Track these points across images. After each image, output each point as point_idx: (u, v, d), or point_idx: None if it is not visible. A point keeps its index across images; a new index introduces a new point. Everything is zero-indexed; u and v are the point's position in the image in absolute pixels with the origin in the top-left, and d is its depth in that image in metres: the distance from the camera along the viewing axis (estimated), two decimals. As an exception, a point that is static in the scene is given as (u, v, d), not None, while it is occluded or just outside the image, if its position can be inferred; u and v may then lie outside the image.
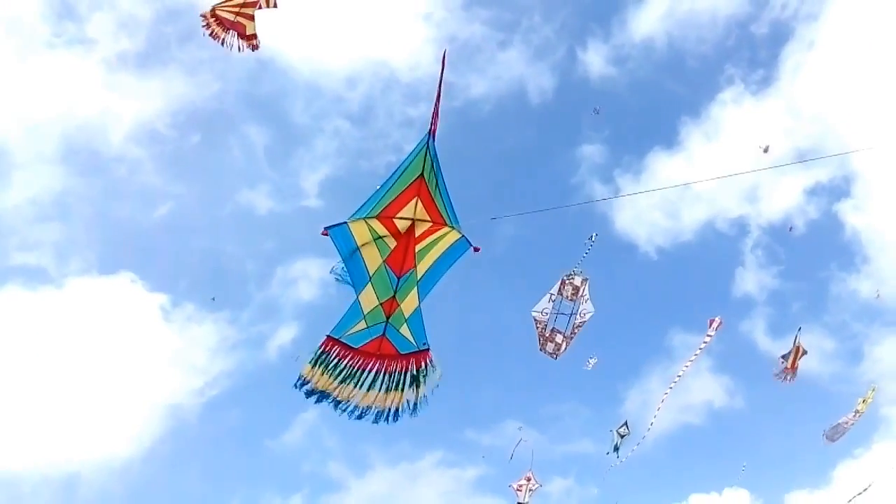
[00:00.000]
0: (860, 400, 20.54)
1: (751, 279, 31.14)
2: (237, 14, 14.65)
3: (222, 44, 14.82)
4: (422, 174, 6.31)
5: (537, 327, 16.40)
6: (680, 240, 32.50)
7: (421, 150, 6.28)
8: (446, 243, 6.73)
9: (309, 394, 6.37)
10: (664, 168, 32.68)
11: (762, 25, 32.83)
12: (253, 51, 14.93)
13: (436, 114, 6.24)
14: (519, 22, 34.08)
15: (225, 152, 33.30)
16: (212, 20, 14.65)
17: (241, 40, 14.88)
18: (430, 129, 6.21)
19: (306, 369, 6.35)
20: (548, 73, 33.97)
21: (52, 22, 29.91)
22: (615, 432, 20.14)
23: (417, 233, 6.60)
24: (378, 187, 6.39)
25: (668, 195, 31.87)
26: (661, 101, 35.64)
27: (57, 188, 30.25)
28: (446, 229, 6.65)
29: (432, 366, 6.61)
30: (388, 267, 6.60)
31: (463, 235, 6.68)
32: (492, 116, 33.97)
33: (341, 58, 33.35)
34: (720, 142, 31.22)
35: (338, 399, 6.44)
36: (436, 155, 6.31)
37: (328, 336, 6.45)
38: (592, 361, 19.99)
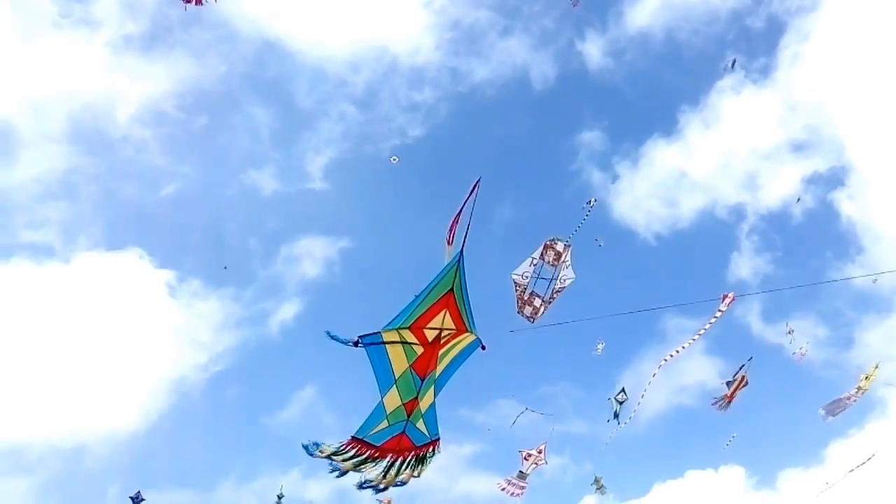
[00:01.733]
0: (863, 376, 20.06)
1: (746, 265, 30.94)
2: None
3: None
4: (452, 289, 6.85)
5: (516, 290, 16.19)
6: (678, 226, 32.22)
7: (452, 266, 6.78)
8: (463, 344, 7.36)
9: (334, 469, 6.99)
10: (662, 155, 32.37)
11: (759, 18, 32.27)
12: None
13: (453, 230, 7.00)
14: (520, 10, 33.85)
15: (230, 134, 33.16)
16: None
17: None
18: (460, 249, 6.80)
19: (327, 451, 6.93)
20: (550, 61, 33.62)
21: (58, 2, 29.10)
22: (613, 399, 19.92)
23: (442, 339, 7.18)
24: (412, 299, 6.88)
25: (667, 182, 31.47)
26: (660, 90, 35.29)
27: (63, 167, 29.61)
28: (466, 334, 7.26)
29: (438, 451, 7.45)
30: (413, 371, 7.15)
31: (477, 337, 7.34)
32: (494, 102, 33.74)
33: (344, 42, 33.09)
34: (720, 129, 30.66)
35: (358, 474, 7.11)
36: (464, 272, 6.87)
37: (352, 437, 7.02)
38: (601, 346, 20.05)
